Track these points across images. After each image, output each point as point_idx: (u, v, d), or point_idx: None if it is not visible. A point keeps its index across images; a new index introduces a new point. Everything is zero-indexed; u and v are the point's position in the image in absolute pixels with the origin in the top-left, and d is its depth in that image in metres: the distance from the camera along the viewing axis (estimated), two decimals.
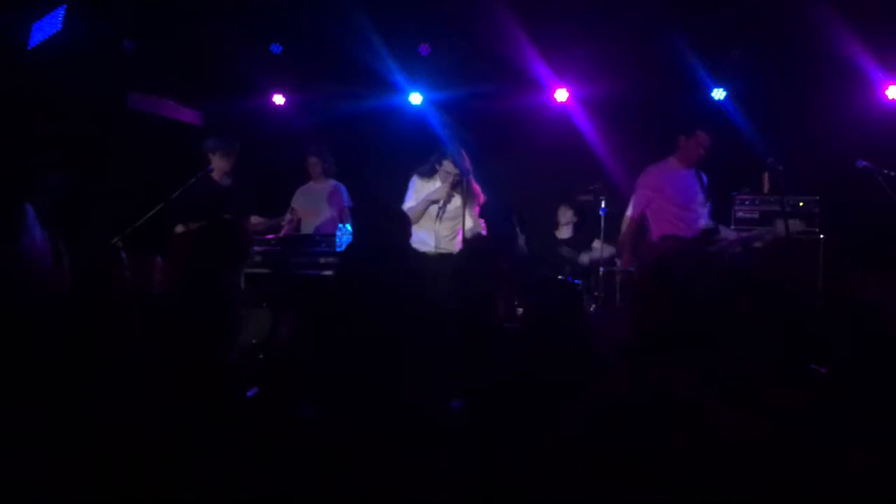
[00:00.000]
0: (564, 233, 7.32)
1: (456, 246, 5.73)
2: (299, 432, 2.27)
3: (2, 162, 5.27)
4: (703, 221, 5.67)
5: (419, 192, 5.74)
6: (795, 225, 5.85)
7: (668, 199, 5.59)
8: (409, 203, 5.71)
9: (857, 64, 6.61)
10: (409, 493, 2.06)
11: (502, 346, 2.89)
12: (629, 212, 5.77)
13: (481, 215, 5.84)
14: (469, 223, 5.61)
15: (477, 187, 5.78)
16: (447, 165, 5.62)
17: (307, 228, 6.73)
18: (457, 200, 5.67)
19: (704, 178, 5.75)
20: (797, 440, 1.87)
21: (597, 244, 6.68)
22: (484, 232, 5.78)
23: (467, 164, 5.64)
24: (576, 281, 6.50)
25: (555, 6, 6.60)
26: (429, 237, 5.69)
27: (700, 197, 5.65)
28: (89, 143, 6.65)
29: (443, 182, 5.67)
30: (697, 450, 1.87)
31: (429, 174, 5.73)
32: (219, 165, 6.04)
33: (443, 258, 5.67)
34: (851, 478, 1.77)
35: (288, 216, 6.54)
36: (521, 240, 6.76)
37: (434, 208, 5.72)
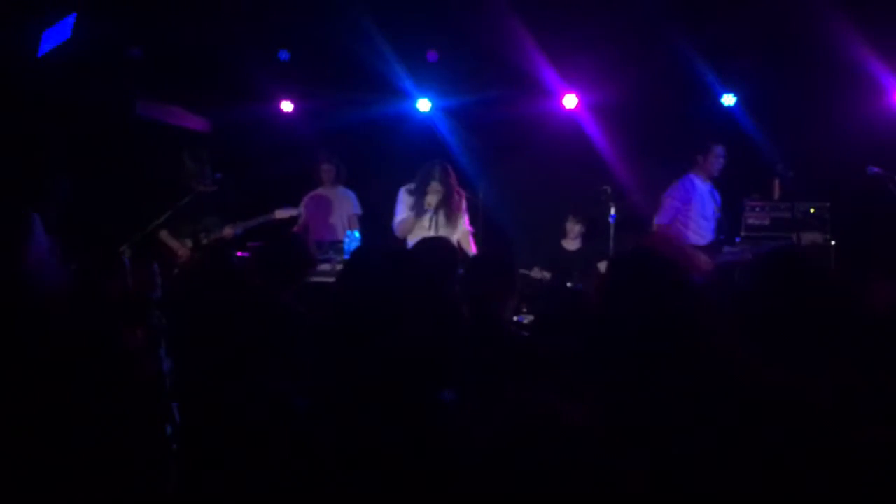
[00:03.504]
0: (573, 244, 7.26)
1: None
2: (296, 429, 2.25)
3: (10, 168, 5.29)
4: (721, 234, 6.20)
5: (406, 203, 6.03)
6: (812, 237, 5.90)
7: (694, 211, 6.09)
8: (401, 216, 6.01)
9: (868, 70, 6.56)
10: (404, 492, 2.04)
11: (512, 352, 2.87)
12: (660, 219, 6.15)
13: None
14: (457, 234, 5.98)
15: (460, 202, 6.11)
16: (434, 186, 5.94)
17: (316, 235, 6.74)
18: (447, 221, 6.00)
19: (717, 194, 6.21)
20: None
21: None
22: (472, 245, 6.14)
23: (453, 180, 6.01)
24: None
25: (563, 12, 6.58)
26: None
27: (716, 211, 6.17)
28: (97, 149, 6.67)
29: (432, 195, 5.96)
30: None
31: (417, 193, 6.02)
32: (194, 176, 6.10)
33: None
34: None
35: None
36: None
37: (426, 219, 5.96)
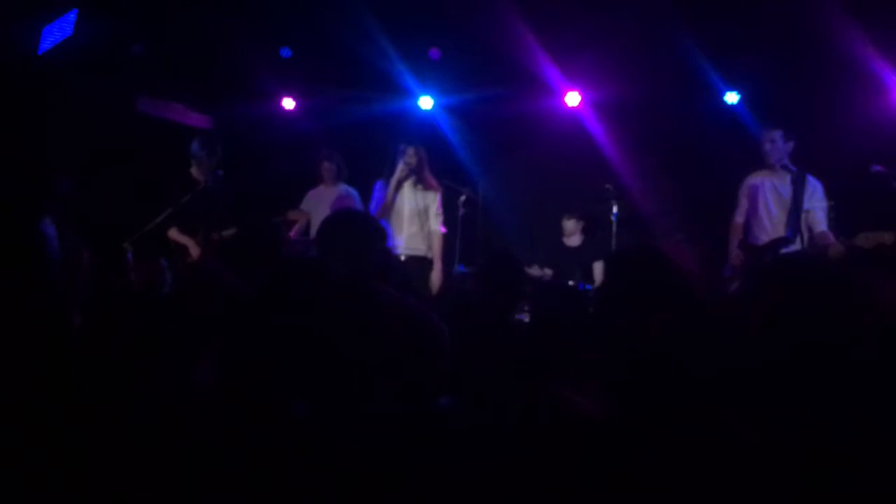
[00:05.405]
0: (573, 241, 7.24)
1: (424, 248, 6.09)
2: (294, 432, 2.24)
3: (12, 166, 5.28)
4: (787, 230, 5.77)
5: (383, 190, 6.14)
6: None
7: (755, 209, 5.90)
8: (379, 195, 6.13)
9: (871, 68, 6.54)
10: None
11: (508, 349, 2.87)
12: (734, 218, 6.01)
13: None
14: (428, 202, 6.12)
15: (433, 181, 6.23)
16: (409, 151, 6.16)
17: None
18: (422, 196, 6.13)
19: (812, 182, 5.83)
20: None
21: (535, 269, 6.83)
22: (442, 230, 6.19)
23: (425, 157, 6.18)
24: (587, 287, 6.46)
25: (565, 9, 6.56)
26: (398, 239, 5.92)
27: (791, 204, 5.76)
28: (99, 147, 6.66)
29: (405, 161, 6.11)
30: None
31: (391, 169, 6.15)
32: (201, 167, 5.99)
33: (412, 261, 5.87)
34: None
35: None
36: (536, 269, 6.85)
37: (405, 209, 6.09)
